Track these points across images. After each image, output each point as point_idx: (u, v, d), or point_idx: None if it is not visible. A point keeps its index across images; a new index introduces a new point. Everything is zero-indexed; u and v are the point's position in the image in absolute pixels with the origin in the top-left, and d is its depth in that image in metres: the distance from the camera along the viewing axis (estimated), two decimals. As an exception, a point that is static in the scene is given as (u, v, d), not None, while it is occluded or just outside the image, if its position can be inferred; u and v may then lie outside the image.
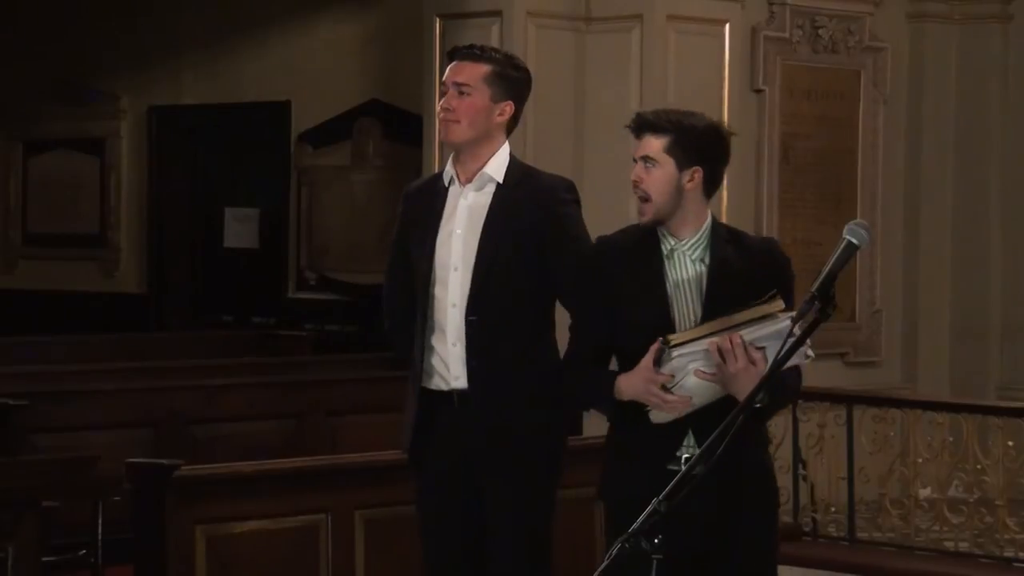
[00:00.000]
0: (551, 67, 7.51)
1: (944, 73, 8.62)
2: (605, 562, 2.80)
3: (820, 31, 8.16)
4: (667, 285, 3.50)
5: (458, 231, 3.84)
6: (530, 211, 3.89)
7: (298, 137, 9.56)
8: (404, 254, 3.94)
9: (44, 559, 4.52)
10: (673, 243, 3.56)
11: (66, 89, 10.41)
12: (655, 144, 3.51)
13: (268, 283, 9.77)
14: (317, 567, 4.54)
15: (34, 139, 10.60)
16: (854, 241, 3.02)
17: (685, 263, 3.54)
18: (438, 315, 3.84)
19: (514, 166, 3.97)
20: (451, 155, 3.96)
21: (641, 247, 3.59)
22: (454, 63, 3.94)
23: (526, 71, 4.03)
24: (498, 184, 3.90)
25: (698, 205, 3.55)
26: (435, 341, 3.84)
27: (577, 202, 4.05)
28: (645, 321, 3.47)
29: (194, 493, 4.33)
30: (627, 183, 7.77)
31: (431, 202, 3.91)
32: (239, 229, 9.96)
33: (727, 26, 7.67)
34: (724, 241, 3.54)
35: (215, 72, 9.93)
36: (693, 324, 3.44)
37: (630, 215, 7.54)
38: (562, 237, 3.92)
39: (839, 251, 2.98)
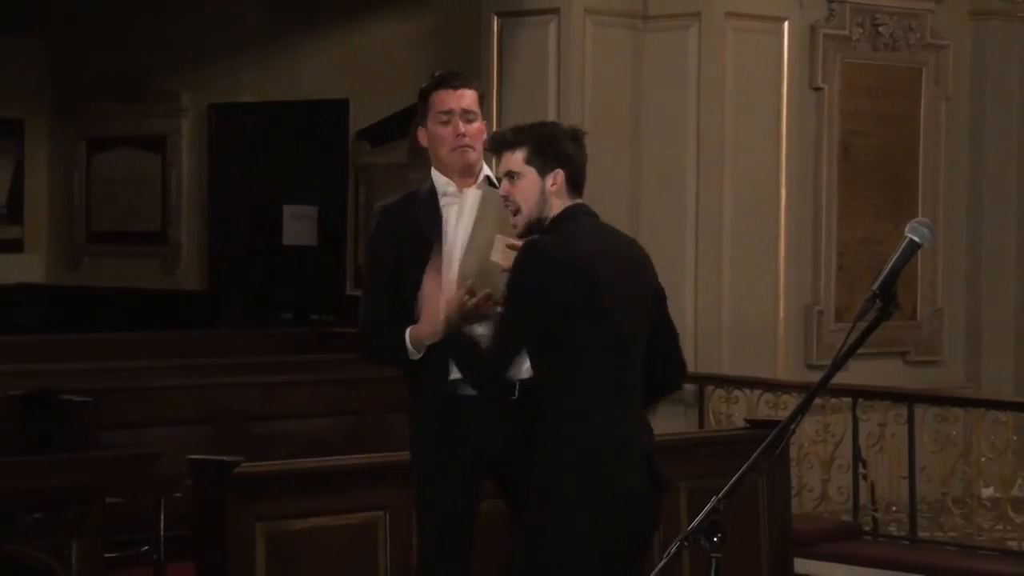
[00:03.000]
0: (608, 65, 7.50)
1: (1007, 70, 8.54)
2: (664, 560, 2.80)
3: (880, 28, 8.10)
4: None
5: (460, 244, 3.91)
6: None
7: (356, 135, 9.59)
8: (392, 267, 3.93)
9: (107, 555, 4.56)
10: None
11: (128, 87, 10.50)
12: (515, 159, 3.76)
13: (326, 280, 9.81)
14: (375, 563, 4.56)
15: (97, 137, 10.70)
16: (916, 239, 2.99)
17: None
18: None
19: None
20: (432, 169, 4.00)
21: None
22: (459, 92, 3.98)
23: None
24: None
25: (560, 203, 3.78)
26: None
27: None
28: None
29: (254, 490, 4.35)
30: (685, 179, 7.85)
31: (423, 215, 3.92)
32: (298, 227, 10.00)
33: (786, 24, 7.64)
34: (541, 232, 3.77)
35: (274, 70, 9.99)
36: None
37: (688, 210, 7.60)
38: None
39: (901, 249, 2.96)
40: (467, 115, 3.96)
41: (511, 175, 3.77)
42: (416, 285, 3.84)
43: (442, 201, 3.96)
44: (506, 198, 3.77)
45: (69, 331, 9.00)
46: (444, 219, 3.93)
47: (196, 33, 10.26)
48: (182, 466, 4.50)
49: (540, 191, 3.76)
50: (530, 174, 3.76)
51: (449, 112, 3.96)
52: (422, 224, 3.91)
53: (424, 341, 3.84)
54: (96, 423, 6.13)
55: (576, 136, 3.84)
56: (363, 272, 4.15)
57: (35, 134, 10.84)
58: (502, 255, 3.78)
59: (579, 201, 3.81)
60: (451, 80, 4.00)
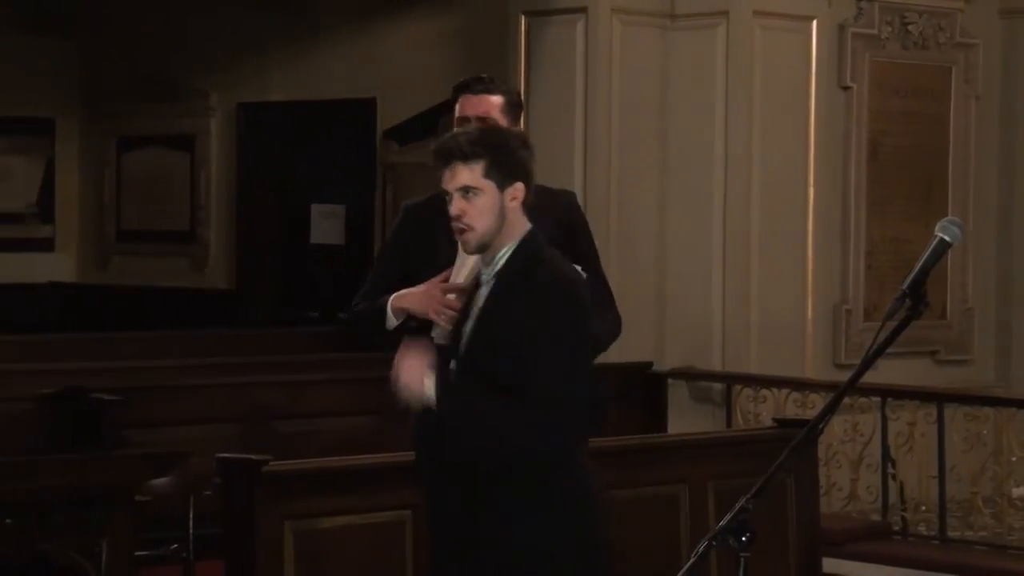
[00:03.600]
0: (635, 64, 7.49)
1: (1037, 68, 8.50)
2: (692, 559, 2.80)
3: (910, 27, 8.07)
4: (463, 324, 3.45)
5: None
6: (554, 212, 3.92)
7: (383, 134, 9.61)
8: (397, 261, 3.96)
9: (137, 553, 4.58)
10: (483, 270, 3.43)
11: (158, 86, 10.54)
12: (470, 173, 3.34)
13: (354, 279, 9.80)
14: (403, 562, 4.56)
15: (127, 136, 10.74)
16: (947, 238, 2.97)
17: (482, 291, 3.42)
18: None
19: None
20: None
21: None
22: (478, 98, 3.96)
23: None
24: None
25: (518, 222, 3.38)
26: None
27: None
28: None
29: (282, 488, 4.36)
30: (712, 179, 7.83)
31: (441, 221, 3.92)
32: (325, 225, 10.02)
33: (814, 23, 7.62)
34: (514, 272, 3.36)
35: (302, 69, 10.01)
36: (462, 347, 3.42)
37: (715, 210, 7.59)
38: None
39: (931, 248, 2.94)
40: (482, 123, 3.85)
41: (467, 191, 3.34)
42: (423, 280, 3.85)
43: None
44: (458, 217, 3.35)
45: (99, 330, 9.04)
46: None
47: (225, 32, 10.29)
48: (211, 464, 4.52)
49: (499, 208, 3.34)
50: (489, 189, 3.34)
51: (465, 119, 3.94)
52: (439, 228, 3.91)
53: (405, 310, 3.77)
54: (125, 421, 6.16)
55: (527, 144, 3.43)
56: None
57: (66, 133, 10.90)
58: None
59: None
60: (473, 85, 3.97)
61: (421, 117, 9.42)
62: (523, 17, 7.58)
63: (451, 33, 9.32)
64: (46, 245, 10.86)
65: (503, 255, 3.38)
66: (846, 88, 7.92)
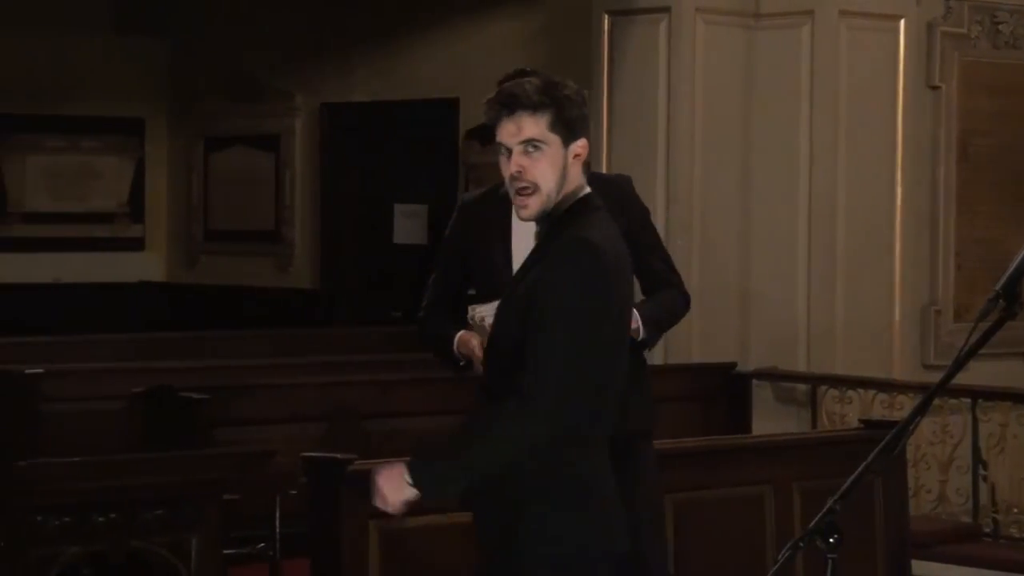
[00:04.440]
0: (719, 64, 7.46)
1: None
2: (779, 561, 2.78)
3: (1000, 26, 7.97)
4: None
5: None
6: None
7: (466, 134, 9.63)
8: (456, 262, 3.96)
9: (225, 551, 4.63)
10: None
11: (244, 86, 10.64)
12: (536, 125, 3.02)
13: (437, 278, 9.85)
14: (488, 562, 4.58)
15: (214, 136, 10.86)
16: (1041, 239, 2.93)
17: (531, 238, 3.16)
18: None
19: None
20: None
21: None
22: None
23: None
24: None
25: (578, 183, 3.08)
26: None
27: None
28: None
29: (367, 488, 4.38)
30: (797, 179, 7.77)
31: (496, 214, 3.91)
32: (408, 225, 10.07)
33: (902, 22, 7.54)
34: (558, 227, 3.05)
35: (385, 69, 10.06)
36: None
37: (800, 210, 7.53)
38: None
39: (1026, 248, 2.90)
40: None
41: (532, 144, 3.03)
42: (479, 280, 3.86)
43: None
44: (519, 174, 3.04)
45: (187, 329, 9.15)
46: (511, 219, 3.88)
47: (309, 33, 10.37)
48: (297, 463, 4.56)
49: (562, 166, 3.04)
50: (554, 144, 3.03)
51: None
52: (494, 222, 3.91)
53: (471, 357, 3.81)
54: (213, 420, 6.23)
55: (584, 99, 3.11)
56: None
57: (155, 133, 11.03)
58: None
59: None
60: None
61: (504, 117, 9.44)
62: (606, 16, 7.56)
63: (534, 32, 9.32)
64: (136, 245, 11.00)
65: (552, 210, 3.07)
66: (935, 88, 7.84)
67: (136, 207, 10.99)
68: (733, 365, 7.45)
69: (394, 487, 3.10)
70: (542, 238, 3.10)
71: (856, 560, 5.13)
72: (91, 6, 10.73)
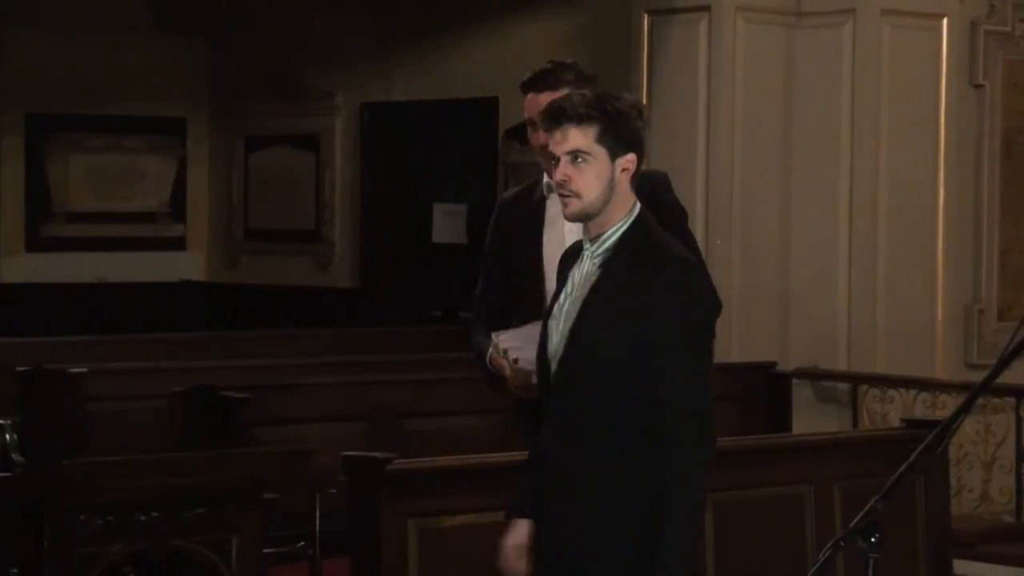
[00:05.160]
0: (760, 63, 7.43)
1: None
2: (821, 559, 2.77)
3: (1044, 25, 7.92)
4: (562, 295, 3.27)
5: (569, 237, 3.72)
6: None
7: (505, 133, 9.63)
8: (499, 261, 3.97)
9: (265, 550, 4.65)
10: (587, 246, 3.25)
11: (284, 86, 10.69)
12: (583, 137, 3.14)
13: (476, 278, 9.86)
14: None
15: (254, 135, 10.90)
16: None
17: (588, 266, 3.23)
18: None
19: None
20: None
21: (570, 255, 3.33)
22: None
23: None
24: None
25: (626, 197, 3.19)
26: None
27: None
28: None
29: (406, 486, 4.40)
30: (838, 178, 7.74)
31: (529, 212, 3.91)
32: (447, 225, 10.08)
33: (944, 20, 7.50)
34: (629, 249, 3.18)
35: (425, 69, 10.08)
36: (560, 339, 3.27)
37: (841, 209, 7.50)
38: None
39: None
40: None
41: (576, 155, 3.14)
42: (520, 276, 3.86)
43: (547, 192, 3.93)
44: (564, 183, 3.15)
45: (228, 328, 9.18)
46: (544, 216, 3.89)
47: (349, 32, 10.40)
48: (336, 462, 4.58)
49: (609, 178, 3.15)
50: (600, 156, 3.14)
51: (532, 122, 3.90)
52: (526, 222, 3.92)
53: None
54: (254, 419, 6.26)
55: (643, 114, 3.21)
56: None
57: (196, 133, 11.09)
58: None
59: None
60: (534, 84, 3.92)
61: (543, 116, 9.43)
62: (646, 16, 7.55)
63: (574, 32, 9.32)
64: (178, 244, 11.06)
65: (614, 232, 3.19)
66: (978, 86, 7.79)
67: (178, 207, 11.05)
68: (773, 364, 7.43)
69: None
70: (627, 255, 3.18)
71: (897, 560, 5.10)
72: (134, 6, 10.80)
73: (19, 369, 6.65)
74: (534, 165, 8.92)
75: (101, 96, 10.60)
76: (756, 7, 7.42)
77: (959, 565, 5.75)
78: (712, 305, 3.37)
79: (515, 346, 3.68)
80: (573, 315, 3.20)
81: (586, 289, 3.20)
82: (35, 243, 10.56)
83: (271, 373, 6.97)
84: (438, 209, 10.11)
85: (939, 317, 7.61)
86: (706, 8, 7.37)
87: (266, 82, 10.78)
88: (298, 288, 10.53)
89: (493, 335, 3.85)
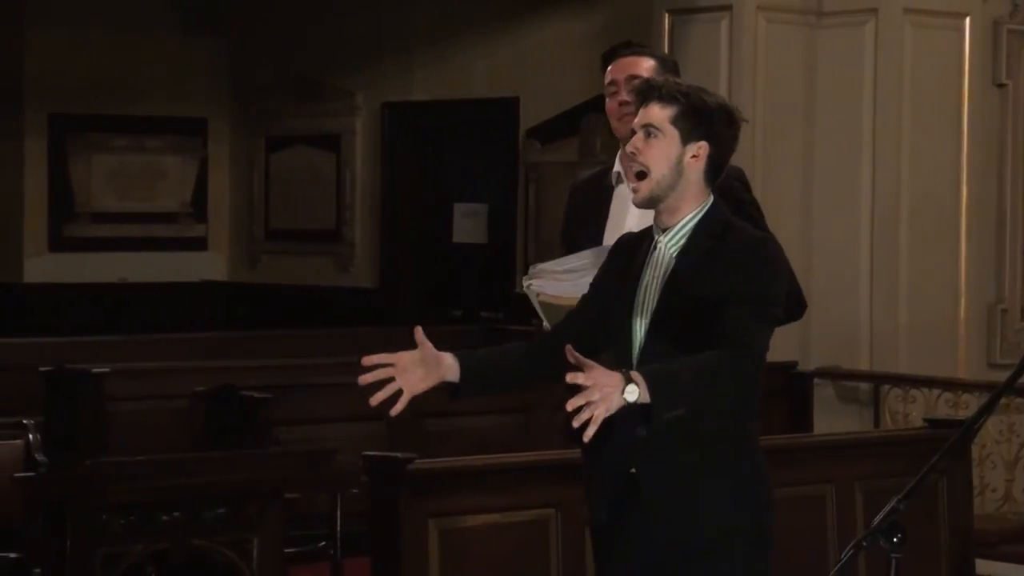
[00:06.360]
0: (781, 62, 7.41)
1: None
2: (843, 559, 2.77)
3: (1066, 23, 7.89)
4: (639, 286, 3.27)
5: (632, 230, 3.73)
6: None
7: (526, 133, 9.64)
8: (568, 249, 3.95)
9: (286, 550, 4.66)
10: (658, 236, 3.28)
11: (304, 86, 10.70)
12: (660, 113, 3.23)
13: (496, 278, 9.88)
14: (547, 561, 4.58)
15: (275, 136, 10.93)
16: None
17: (663, 255, 3.27)
18: None
19: None
20: (619, 151, 3.92)
21: (636, 246, 3.34)
22: (624, 61, 3.91)
23: None
24: None
25: (698, 187, 3.25)
26: None
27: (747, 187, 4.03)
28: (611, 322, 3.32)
29: (427, 487, 4.40)
30: (860, 178, 7.71)
31: (596, 198, 3.91)
32: (468, 224, 10.08)
33: (967, 19, 7.47)
34: (708, 235, 3.24)
35: (445, 69, 10.08)
36: (646, 326, 3.25)
37: (863, 209, 7.48)
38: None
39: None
40: (632, 81, 3.71)
41: (650, 129, 3.24)
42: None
43: (615, 181, 3.92)
44: (634, 155, 3.25)
45: (249, 328, 9.20)
46: (609, 205, 3.89)
47: (369, 32, 10.42)
48: (357, 462, 4.58)
49: (677, 160, 3.22)
50: (671, 136, 3.23)
51: (613, 84, 3.90)
52: (591, 205, 3.91)
53: None
54: (275, 419, 6.27)
55: (734, 120, 3.27)
56: None
57: (218, 133, 11.12)
58: None
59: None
60: (622, 49, 3.93)
61: (564, 116, 9.43)
62: (667, 15, 7.54)
63: (594, 32, 9.31)
64: (199, 244, 11.09)
65: (688, 221, 3.24)
66: (1001, 86, 7.76)
67: (199, 207, 11.08)
68: (794, 364, 7.41)
69: (614, 386, 3.08)
70: (706, 239, 3.24)
71: (920, 559, 5.08)
72: (155, 7, 10.84)
73: (42, 369, 6.69)
74: (555, 165, 8.93)
75: (123, 97, 10.64)
76: (777, 7, 7.40)
77: (982, 565, 5.73)
78: (792, 288, 3.42)
79: (540, 283, 3.71)
80: (652, 304, 3.25)
81: (663, 278, 3.25)
82: (58, 243, 10.60)
83: (292, 373, 6.98)
84: (458, 209, 10.12)
85: (962, 316, 7.58)
86: (727, 8, 7.36)
87: (287, 82, 10.80)
88: (319, 288, 10.55)
89: (531, 268, 3.81)
